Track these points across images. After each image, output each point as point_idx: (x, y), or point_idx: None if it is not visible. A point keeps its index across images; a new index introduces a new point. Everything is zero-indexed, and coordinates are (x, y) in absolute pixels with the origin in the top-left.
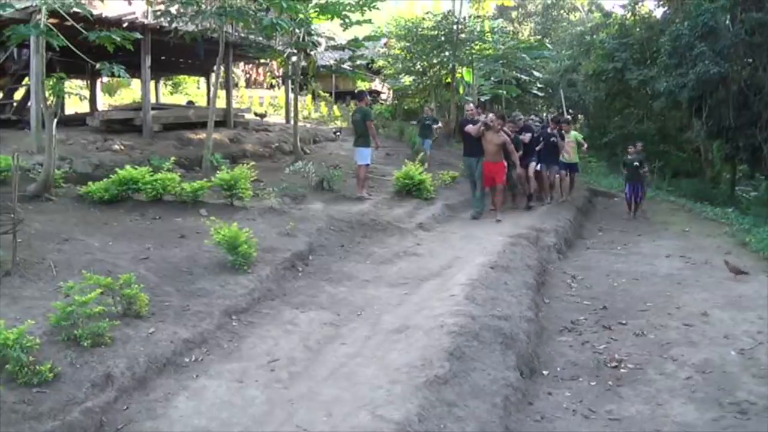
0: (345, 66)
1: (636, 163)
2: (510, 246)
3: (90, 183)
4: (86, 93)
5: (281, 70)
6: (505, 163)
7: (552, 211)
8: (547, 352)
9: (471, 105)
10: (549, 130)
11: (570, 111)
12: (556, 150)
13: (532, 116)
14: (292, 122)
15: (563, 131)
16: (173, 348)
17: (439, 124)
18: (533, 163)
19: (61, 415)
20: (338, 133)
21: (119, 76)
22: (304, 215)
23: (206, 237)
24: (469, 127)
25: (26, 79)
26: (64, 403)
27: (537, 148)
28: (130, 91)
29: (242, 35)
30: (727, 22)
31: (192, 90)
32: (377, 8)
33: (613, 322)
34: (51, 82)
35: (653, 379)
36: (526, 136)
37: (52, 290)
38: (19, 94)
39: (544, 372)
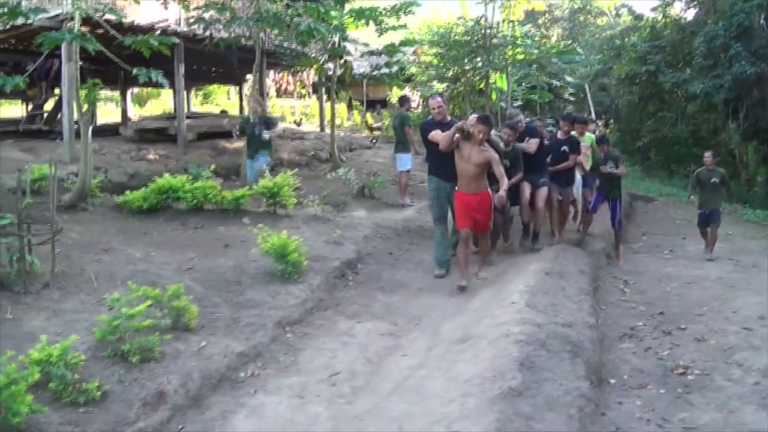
0: (380, 72)
1: (714, 180)
2: (562, 252)
3: (127, 192)
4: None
5: (312, 79)
6: (491, 193)
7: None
8: (611, 359)
9: (438, 98)
10: (559, 135)
11: (603, 115)
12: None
13: (546, 120)
14: (326, 130)
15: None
16: (227, 362)
17: None
18: (544, 188)
19: None
20: (374, 141)
21: (157, 82)
22: (349, 223)
23: (251, 246)
24: (435, 134)
25: (56, 89)
26: (114, 423)
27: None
28: (160, 102)
29: (276, 43)
30: (762, 21)
31: (222, 100)
32: (413, 13)
33: (672, 327)
34: (84, 92)
35: (722, 386)
36: (532, 143)
37: (94, 303)
38: (48, 106)
39: (611, 380)
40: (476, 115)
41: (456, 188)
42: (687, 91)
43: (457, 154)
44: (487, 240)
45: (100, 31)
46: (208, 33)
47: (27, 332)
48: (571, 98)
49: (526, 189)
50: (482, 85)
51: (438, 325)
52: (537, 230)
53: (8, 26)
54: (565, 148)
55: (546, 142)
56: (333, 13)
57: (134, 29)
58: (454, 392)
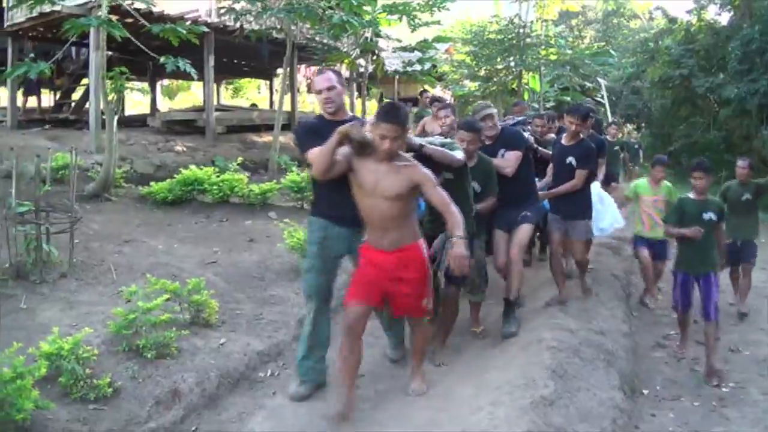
0: (412, 69)
1: (747, 197)
2: (596, 256)
3: (152, 183)
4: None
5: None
6: (422, 246)
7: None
8: (644, 369)
9: (331, 75)
10: (564, 140)
11: (635, 118)
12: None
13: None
14: None
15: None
16: (246, 361)
17: None
18: (524, 228)
19: None
20: None
21: (185, 71)
22: None
23: (277, 241)
24: (314, 153)
25: (84, 79)
26: (124, 422)
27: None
28: (190, 95)
29: (307, 36)
30: None
31: (252, 94)
32: (447, 8)
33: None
34: (111, 81)
35: (757, 400)
36: (507, 159)
37: (111, 295)
38: (76, 95)
39: (644, 391)
40: (383, 108)
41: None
42: (720, 96)
43: (353, 182)
44: (424, 331)
45: (129, 20)
46: (238, 24)
47: (40, 323)
48: (603, 101)
49: (499, 238)
50: (515, 85)
51: (467, 327)
52: (510, 296)
53: (36, 14)
54: (570, 159)
55: (537, 148)
56: (366, 7)
57: (163, 18)
58: (483, 400)
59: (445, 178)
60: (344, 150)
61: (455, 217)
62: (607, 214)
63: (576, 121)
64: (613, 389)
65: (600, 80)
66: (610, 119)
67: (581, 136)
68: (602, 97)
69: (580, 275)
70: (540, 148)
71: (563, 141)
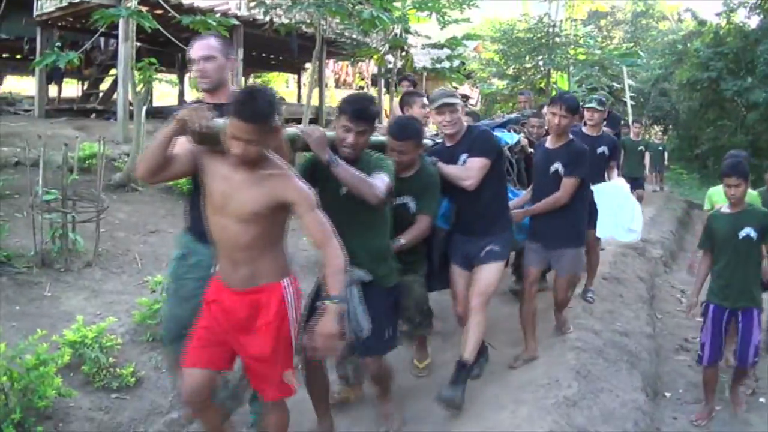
0: (441, 66)
1: None
2: (621, 257)
3: None
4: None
5: (371, 71)
6: (287, 288)
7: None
8: (667, 371)
9: (212, 42)
10: (548, 143)
11: (662, 120)
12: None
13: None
14: (384, 122)
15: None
16: None
17: None
18: (491, 266)
19: (142, 427)
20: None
21: None
22: None
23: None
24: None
25: (112, 69)
26: (146, 411)
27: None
28: None
29: (337, 31)
30: None
31: (280, 89)
32: (477, 6)
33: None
34: (140, 71)
35: None
36: (469, 168)
37: (136, 285)
38: (104, 86)
39: (667, 394)
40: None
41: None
42: (748, 100)
43: (203, 190)
44: (278, 420)
45: (159, 11)
46: (268, 18)
47: (64, 311)
48: (632, 102)
49: (457, 277)
50: (543, 84)
51: (492, 325)
52: (464, 356)
53: (66, 3)
54: (556, 166)
55: (531, 153)
56: (396, 3)
57: (193, 10)
58: (506, 398)
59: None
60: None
61: (334, 262)
62: (635, 215)
63: (560, 113)
64: (636, 391)
65: (624, 74)
66: (632, 118)
67: (570, 136)
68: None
69: (556, 310)
70: (533, 151)
71: (548, 143)
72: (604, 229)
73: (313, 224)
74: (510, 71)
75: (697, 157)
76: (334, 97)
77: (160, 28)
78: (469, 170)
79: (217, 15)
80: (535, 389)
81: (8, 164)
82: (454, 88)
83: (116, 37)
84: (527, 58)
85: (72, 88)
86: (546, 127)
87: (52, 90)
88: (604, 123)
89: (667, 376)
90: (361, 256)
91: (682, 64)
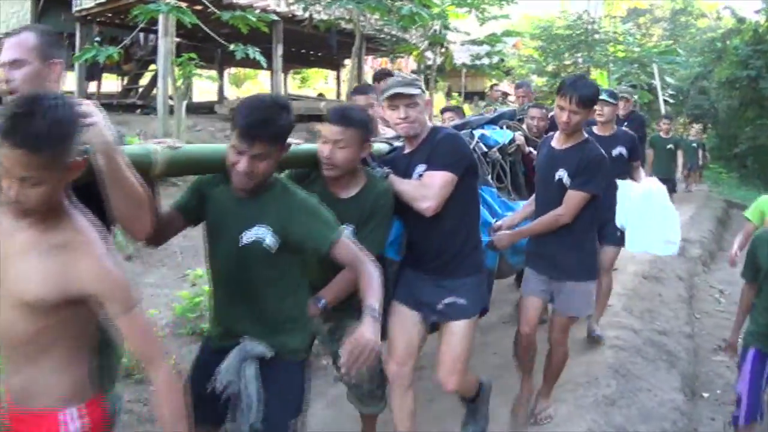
0: (481, 63)
1: None
2: (660, 256)
3: None
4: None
5: (410, 67)
6: (76, 419)
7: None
8: (704, 372)
9: (22, 38)
10: (554, 143)
11: (701, 118)
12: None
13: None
14: None
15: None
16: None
17: None
18: (460, 325)
19: None
20: None
21: (254, 60)
22: None
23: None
24: None
25: (152, 65)
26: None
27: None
28: (256, 83)
29: (376, 27)
30: None
31: (319, 84)
32: (515, 2)
33: None
34: (180, 67)
35: None
36: (425, 183)
37: (177, 278)
38: (144, 81)
39: (705, 394)
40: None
41: None
42: None
43: None
44: None
45: (198, 7)
46: (307, 14)
47: None
48: (670, 100)
49: (400, 319)
50: None
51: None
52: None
53: None
54: (561, 173)
55: (531, 152)
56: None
57: (233, 6)
58: None
59: None
60: None
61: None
62: (674, 224)
63: (569, 107)
64: (674, 391)
65: (656, 72)
66: (663, 112)
67: (584, 135)
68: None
69: (547, 382)
70: (533, 152)
71: (554, 141)
72: (637, 242)
73: (131, 334)
74: (549, 68)
75: (735, 156)
76: None
77: (200, 24)
78: (426, 188)
79: (257, 11)
80: (573, 387)
81: None
82: (494, 84)
83: (155, 32)
84: (566, 55)
85: (111, 84)
86: (549, 119)
87: (92, 85)
88: (624, 124)
89: (705, 376)
90: (261, 325)
91: (721, 62)
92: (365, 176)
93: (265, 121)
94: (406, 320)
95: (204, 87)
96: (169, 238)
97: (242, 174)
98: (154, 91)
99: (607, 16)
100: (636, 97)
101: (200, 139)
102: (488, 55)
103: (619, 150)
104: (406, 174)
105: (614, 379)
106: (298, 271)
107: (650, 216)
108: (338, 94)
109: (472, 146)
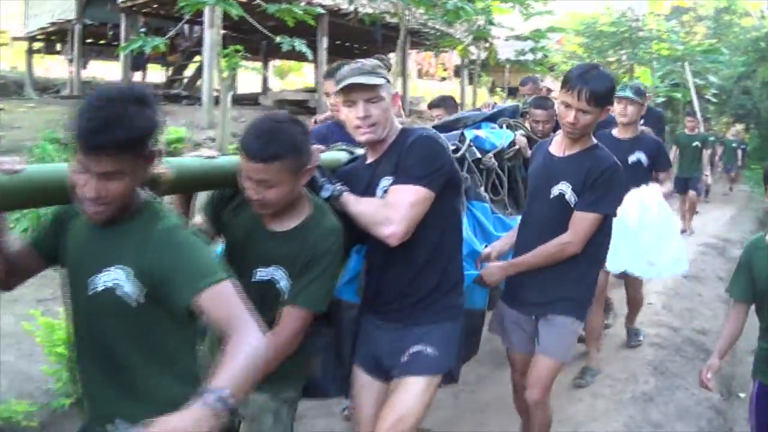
0: (525, 58)
1: None
2: (700, 255)
3: None
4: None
5: (454, 61)
6: None
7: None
8: (741, 373)
9: None
10: (553, 149)
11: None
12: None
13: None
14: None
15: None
16: None
17: None
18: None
19: None
20: None
21: (300, 52)
22: None
23: None
24: None
25: (196, 56)
26: None
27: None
28: (301, 75)
29: (420, 21)
30: None
31: None
32: None
33: None
34: (226, 58)
35: None
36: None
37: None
38: (188, 72)
39: (741, 395)
40: None
41: None
42: None
43: None
44: None
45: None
46: (353, 7)
47: None
48: (713, 99)
49: (360, 387)
50: (626, 79)
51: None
52: None
53: None
54: (562, 189)
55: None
56: None
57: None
58: (583, 391)
59: None
60: None
61: None
62: (669, 245)
63: (577, 104)
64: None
65: (685, 65)
66: (697, 110)
67: (592, 140)
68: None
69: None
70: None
71: (552, 147)
72: (613, 260)
73: None
74: None
75: None
76: (416, 87)
77: (246, 16)
78: (390, 209)
79: (303, 3)
80: (612, 383)
81: None
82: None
83: (200, 24)
84: (610, 52)
85: (156, 74)
86: (555, 119)
87: (136, 76)
88: (641, 122)
89: (741, 377)
90: (134, 402)
91: (765, 63)
92: (309, 204)
93: (109, 124)
94: (370, 390)
95: (248, 78)
96: (22, 280)
97: (89, 200)
98: (199, 82)
99: (651, 14)
100: (680, 95)
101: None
102: (532, 50)
103: (638, 156)
104: (368, 191)
105: (653, 376)
106: (184, 331)
107: (635, 230)
108: None
109: (462, 151)
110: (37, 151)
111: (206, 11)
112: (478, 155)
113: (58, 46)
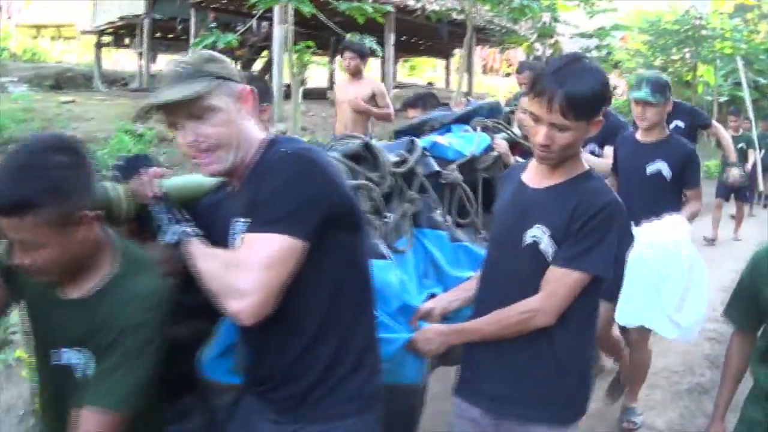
0: (589, 56)
1: None
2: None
3: None
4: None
5: (519, 58)
6: None
7: None
8: None
9: None
10: (526, 177)
11: None
12: None
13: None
14: None
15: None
16: None
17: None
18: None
19: None
20: None
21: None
22: None
23: None
24: None
25: (264, 51)
26: None
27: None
28: (367, 70)
29: (486, 18)
30: None
31: (428, 74)
32: None
33: None
34: (296, 54)
35: None
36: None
37: None
38: (256, 66)
39: None
40: None
41: None
42: None
43: None
44: None
45: None
46: (420, 4)
47: None
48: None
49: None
50: (689, 77)
51: None
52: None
53: None
54: (537, 234)
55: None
56: None
57: None
58: None
59: None
60: None
61: None
62: (696, 302)
63: (547, 116)
64: None
65: (737, 60)
66: (749, 108)
67: (583, 165)
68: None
69: None
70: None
71: (526, 176)
72: (626, 311)
73: None
74: (657, 62)
75: None
76: (481, 83)
77: (317, 13)
78: (239, 271)
79: (371, 1)
80: (669, 375)
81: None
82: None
83: (268, 19)
84: (674, 51)
85: None
86: None
87: None
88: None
89: None
90: None
91: None
92: (116, 258)
93: (21, 186)
94: None
95: (315, 73)
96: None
97: (27, 271)
98: (267, 77)
99: (715, 12)
100: (743, 94)
101: (313, 123)
102: (597, 48)
103: (658, 166)
104: (225, 234)
105: (709, 369)
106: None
107: (654, 277)
108: (447, 83)
109: (410, 164)
110: (114, 143)
111: (276, 8)
112: (436, 168)
113: (127, 40)
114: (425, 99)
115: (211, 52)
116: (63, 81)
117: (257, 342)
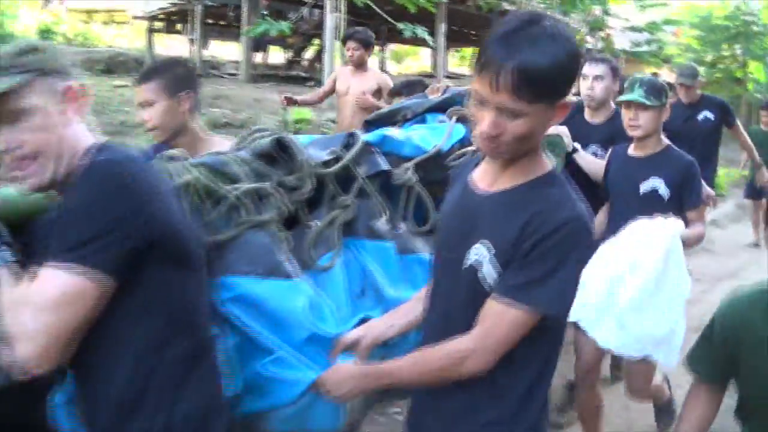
0: (640, 50)
1: None
2: None
3: None
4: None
5: None
6: None
7: None
8: None
9: None
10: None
11: None
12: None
13: None
14: None
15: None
16: None
17: None
18: None
19: None
20: None
21: (419, 38)
22: None
23: None
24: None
25: (315, 39)
26: None
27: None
28: (417, 59)
29: (538, 10)
30: None
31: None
32: None
33: None
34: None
35: None
36: None
37: None
38: (307, 54)
39: None
40: None
41: None
42: None
43: None
44: None
45: None
46: None
47: None
48: None
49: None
50: (740, 74)
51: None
52: None
53: None
54: (476, 256)
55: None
56: None
57: None
58: (681, 379)
59: None
60: None
61: None
62: (656, 303)
63: (494, 98)
64: None
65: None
66: None
67: (545, 164)
68: None
69: None
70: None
71: (477, 177)
72: (610, 337)
73: None
74: (708, 58)
75: None
76: None
77: (369, 2)
78: (25, 309)
79: None
80: None
81: (218, 124)
82: (653, 74)
83: (320, 7)
84: (724, 46)
85: (276, 55)
86: None
87: (258, 57)
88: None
89: None
90: None
91: None
92: None
93: None
94: None
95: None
96: None
97: None
98: (317, 65)
99: (766, 8)
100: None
101: None
102: (648, 42)
103: (653, 184)
104: None
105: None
106: None
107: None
108: None
109: (342, 162)
110: None
111: None
112: (384, 167)
113: (179, 26)
114: (411, 86)
115: (32, 40)
116: (114, 65)
117: (74, 388)
